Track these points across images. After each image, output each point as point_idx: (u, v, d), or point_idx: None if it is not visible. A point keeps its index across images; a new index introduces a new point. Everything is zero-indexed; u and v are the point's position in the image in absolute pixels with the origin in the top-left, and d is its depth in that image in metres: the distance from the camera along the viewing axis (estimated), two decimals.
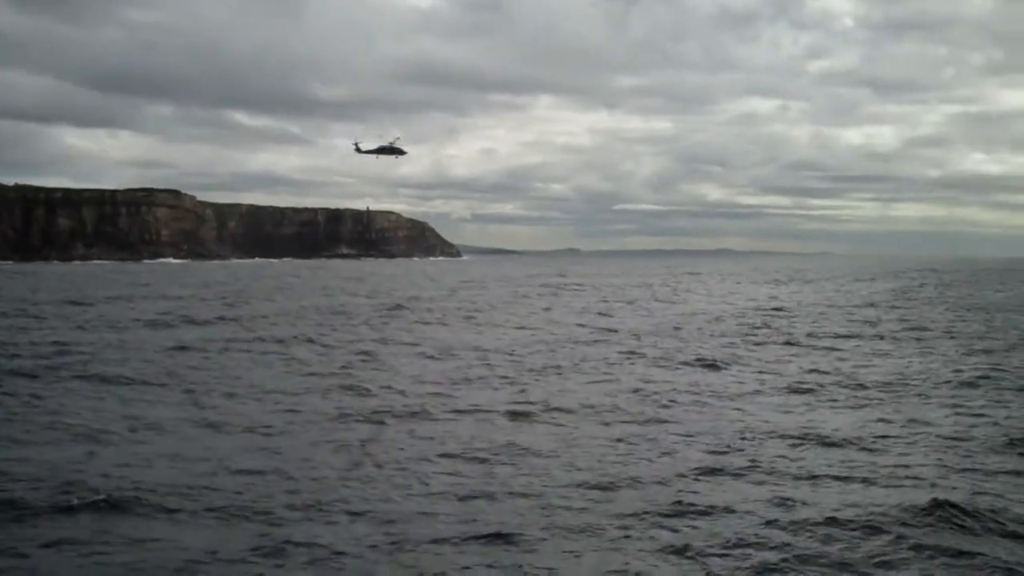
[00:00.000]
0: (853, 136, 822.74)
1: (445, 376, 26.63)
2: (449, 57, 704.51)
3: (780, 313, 52.18)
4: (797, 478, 15.13)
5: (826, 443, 17.77)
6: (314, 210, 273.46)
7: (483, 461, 16.28)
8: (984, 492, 14.16)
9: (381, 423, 19.54)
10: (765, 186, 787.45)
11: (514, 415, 20.71)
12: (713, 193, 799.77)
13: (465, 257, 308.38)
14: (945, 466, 15.84)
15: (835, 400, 23.06)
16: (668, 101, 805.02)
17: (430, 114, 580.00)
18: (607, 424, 19.86)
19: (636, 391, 24.09)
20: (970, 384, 25.10)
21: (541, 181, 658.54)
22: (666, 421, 20.07)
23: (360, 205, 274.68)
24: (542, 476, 15.29)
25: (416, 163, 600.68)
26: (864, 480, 14.95)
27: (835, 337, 38.16)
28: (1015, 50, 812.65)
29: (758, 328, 42.09)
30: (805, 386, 25.00)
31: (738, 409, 21.63)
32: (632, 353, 32.47)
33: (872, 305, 60.08)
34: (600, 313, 52.58)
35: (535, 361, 30.06)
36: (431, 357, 31.04)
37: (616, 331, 40.41)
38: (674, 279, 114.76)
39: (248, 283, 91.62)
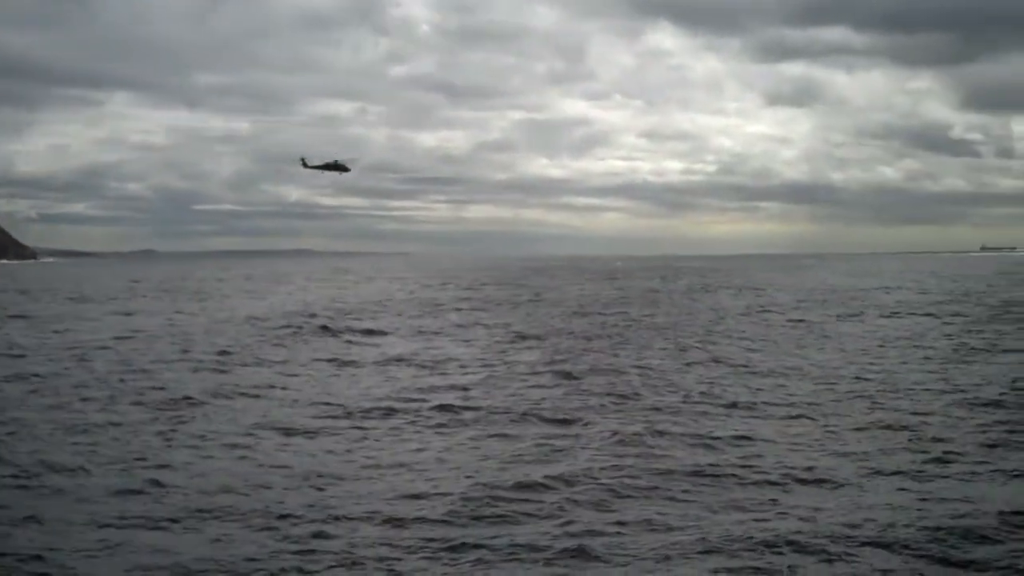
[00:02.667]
0: (428, 139, 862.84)
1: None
2: (16, 47, 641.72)
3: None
4: None
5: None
6: None
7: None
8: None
9: None
10: (344, 187, 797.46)
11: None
12: (293, 193, 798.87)
13: (46, 260, 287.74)
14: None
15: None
16: (249, 100, 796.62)
17: None
18: None
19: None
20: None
21: (116, 180, 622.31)
22: None
23: None
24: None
25: None
26: None
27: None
28: (574, 61, 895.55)
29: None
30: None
31: None
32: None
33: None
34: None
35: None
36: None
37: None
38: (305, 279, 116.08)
39: None
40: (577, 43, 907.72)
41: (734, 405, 22.99)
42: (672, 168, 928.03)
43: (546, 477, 15.93)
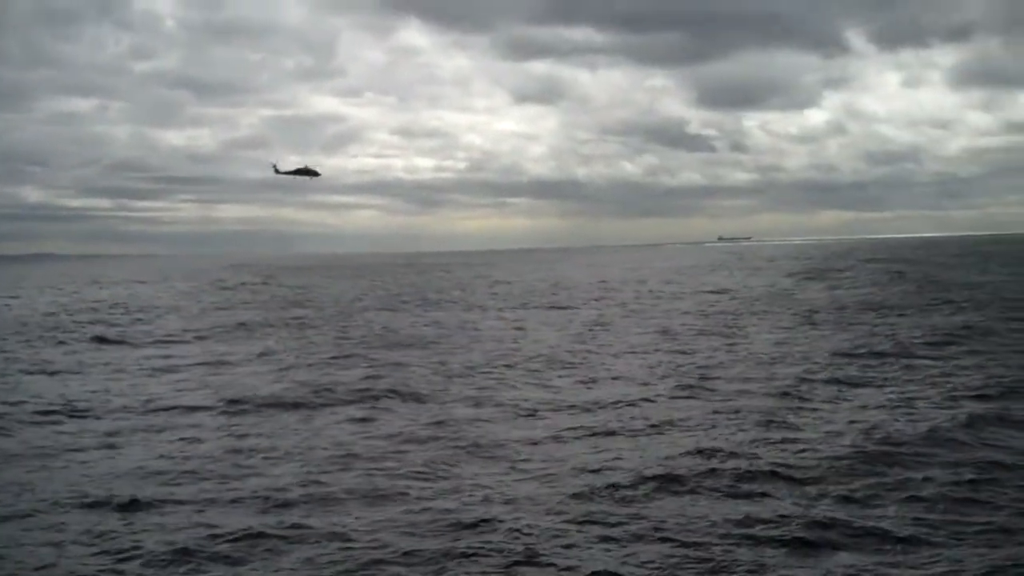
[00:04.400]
0: (175, 137, 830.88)
1: None
2: None
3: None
4: None
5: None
6: None
7: None
8: None
9: None
10: (87, 187, 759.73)
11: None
12: (33, 195, 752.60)
13: None
14: None
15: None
16: None
17: None
18: None
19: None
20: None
21: None
22: None
23: None
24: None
25: None
26: None
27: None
28: (324, 58, 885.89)
29: None
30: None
31: None
32: None
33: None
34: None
35: None
36: None
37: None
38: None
39: None
40: (326, 39, 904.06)
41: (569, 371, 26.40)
42: (424, 165, 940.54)
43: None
